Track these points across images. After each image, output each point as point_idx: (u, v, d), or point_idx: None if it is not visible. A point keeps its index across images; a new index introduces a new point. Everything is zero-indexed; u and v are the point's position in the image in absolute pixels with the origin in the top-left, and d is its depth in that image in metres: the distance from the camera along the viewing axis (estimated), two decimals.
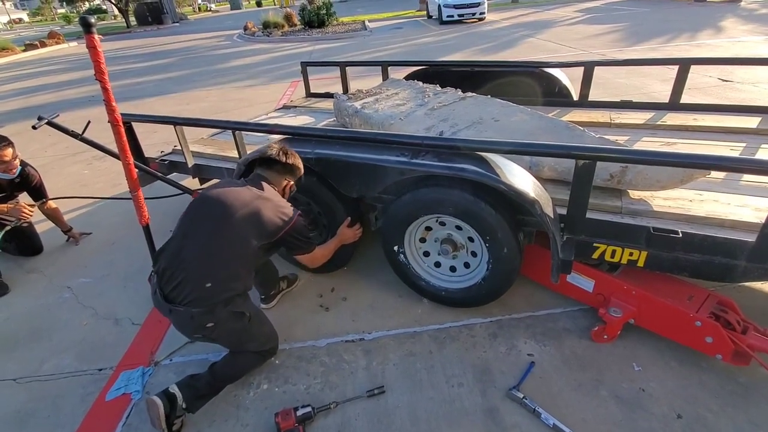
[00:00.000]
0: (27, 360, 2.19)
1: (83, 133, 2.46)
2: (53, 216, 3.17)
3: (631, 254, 1.76)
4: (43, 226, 3.39)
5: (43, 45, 18.60)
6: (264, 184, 1.79)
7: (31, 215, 2.85)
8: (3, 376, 2.10)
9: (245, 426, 1.74)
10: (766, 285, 2.20)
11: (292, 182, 1.92)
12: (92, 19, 1.81)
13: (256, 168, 1.89)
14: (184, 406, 1.69)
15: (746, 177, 2.00)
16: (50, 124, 2.39)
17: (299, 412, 1.68)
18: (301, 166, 1.93)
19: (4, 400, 1.97)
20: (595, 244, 1.80)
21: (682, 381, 1.76)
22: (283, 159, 1.84)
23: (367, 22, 16.60)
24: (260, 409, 1.80)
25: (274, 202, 1.74)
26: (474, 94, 2.79)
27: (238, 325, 1.73)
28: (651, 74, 6.13)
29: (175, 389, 1.70)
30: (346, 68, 4.00)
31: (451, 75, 3.64)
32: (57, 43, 19.26)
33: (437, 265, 2.24)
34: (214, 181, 2.89)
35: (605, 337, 1.94)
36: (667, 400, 1.69)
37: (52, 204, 3.10)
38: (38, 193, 3.03)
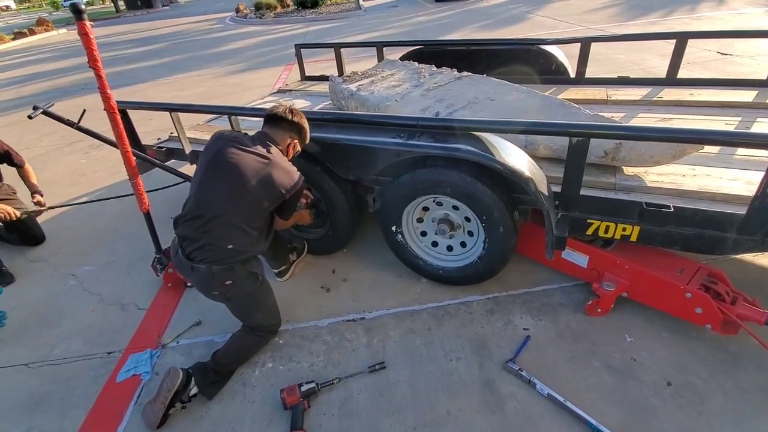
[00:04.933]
0: (37, 346, 2.25)
1: (79, 121, 2.46)
2: (24, 176, 3.05)
3: (624, 229, 1.79)
4: (44, 216, 3.42)
5: (33, 33, 18.21)
6: (269, 144, 1.82)
7: (13, 218, 2.75)
8: (15, 362, 2.16)
9: (252, 402, 1.81)
10: (757, 257, 2.25)
11: (296, 141, 1.93)
12: (83, 5, 1.80)
13: (263, 126, 1.91)
14: (192, 392, 1.78)
15: (740, 151, 2.01)
16: (46, 113, 2.39)
17: (303, 388, 1.75)
18: (308, 126, 1.94)
19: (18, 385, 2.03)
20: (589, 221, 1.84)
21: (672, 350, 1.82)
22: (290, 117, 1.86)
23: (361, 1, 16.23)
24: (266, 386, 1.87)
25: (281, 166, 1.77)
26: (469, 73, 2.78)
27: (252, 286, 1.83)
28: (650, 49, 6.05)
29: (192, 375, 1.80)
30: (341, 50, 3.95)
31: (446, 55, 3.60)
32: (46, 30, 18.86)
33: (434, 244, 2.28)
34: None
35: (599, 310, 2.00)
36: (657, 368, 1.75)
37: (28, 168, 3.03)
38: (9, 159, 2.95)
